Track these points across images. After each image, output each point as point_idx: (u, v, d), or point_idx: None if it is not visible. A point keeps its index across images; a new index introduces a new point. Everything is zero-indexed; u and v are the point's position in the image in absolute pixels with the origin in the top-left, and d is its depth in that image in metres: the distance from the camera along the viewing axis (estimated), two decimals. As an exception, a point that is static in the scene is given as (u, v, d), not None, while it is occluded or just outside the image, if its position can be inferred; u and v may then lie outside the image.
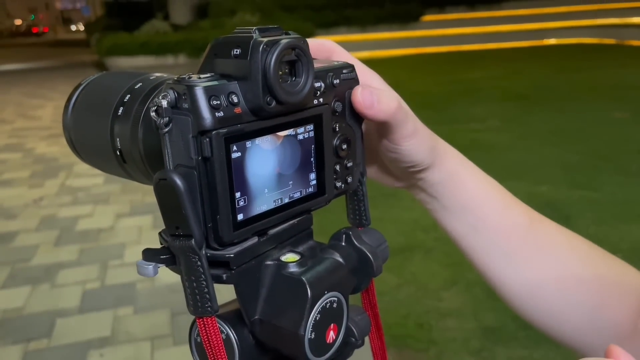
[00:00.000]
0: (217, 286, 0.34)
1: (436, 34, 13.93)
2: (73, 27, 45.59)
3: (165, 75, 0.40)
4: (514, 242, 0.46)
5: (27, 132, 6.35)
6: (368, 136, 0.45)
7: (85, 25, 29.07)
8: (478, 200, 0.46)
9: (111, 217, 3.64)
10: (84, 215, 3.71)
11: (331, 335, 0.36)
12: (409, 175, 0.45)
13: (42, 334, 2.34)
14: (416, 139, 0.42)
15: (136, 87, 0.39)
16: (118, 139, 0.38)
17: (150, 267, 0.33)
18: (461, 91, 7.39)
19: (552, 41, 13.23)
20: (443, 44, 13.03)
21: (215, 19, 13.65)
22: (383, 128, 0.41)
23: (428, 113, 6.11)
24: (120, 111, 0.38)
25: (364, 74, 0.43)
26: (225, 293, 0.36)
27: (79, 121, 0.43)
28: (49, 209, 3.89)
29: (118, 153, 0.39)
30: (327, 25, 13.81)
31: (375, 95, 0.39)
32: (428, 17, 14.88)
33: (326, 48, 0.42)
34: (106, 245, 3.23)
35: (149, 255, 0.33)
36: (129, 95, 0.38)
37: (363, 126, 0.41)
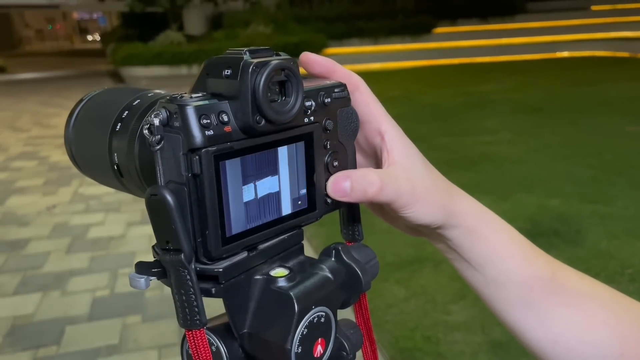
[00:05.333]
0: (209, 299, 0.35)
1: (448, 46, 13.94)
2: (89, 37, 46.26)
3: (163, 92, 0.41)
4: (536, 294, 0.46)
5: (43, 141, 6.44)
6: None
7: (101, 35, 29.48)
8: (499, 255, 0.46)
9: (122, 225, 3.68)
10: (96, 223, 3.75)
11: (319, 349, 0.36)
12: (422, 231, 0.46)
13: (51, 341, 2.36)
14: (417, 206, 0.41)
15: (134, 103, 0.40)
16: (115, 154, 0.39)
17: (142, 280, 0.34)
18: (473, 103, 7.37)
19: (565, 54, 13.17)
20: (455, 56, 13.02)
21: (229, 29, 13.78)
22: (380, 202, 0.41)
23: (439, 125, 6.11)
24: (118, 127, 0.39)
25: (382, 122, 0.43)
26: (217, 306, 0.37)
27: (79, 135, 0.44)
28: (62, 216, 3.93)
29: (116, 167, 0.40)
30: (339, 37, 13.88)
31: (347, 183, 0.39)
32: (440, 29, 14.90)
33: (352, 81, 0.42)
34: (117, 253, 3.26)
35: (141, 268, 0.34)
36: (127, 112, 0.40)
37: (356, 143, 0.42)
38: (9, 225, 3.80)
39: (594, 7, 16.08)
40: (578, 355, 0.46)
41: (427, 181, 0.42)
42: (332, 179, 0.39)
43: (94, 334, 2.42)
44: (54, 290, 2.81)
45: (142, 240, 3.42)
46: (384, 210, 0.46)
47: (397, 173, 0.41)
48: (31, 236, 3.56)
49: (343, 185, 0.39)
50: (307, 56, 0.41)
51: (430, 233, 0.46)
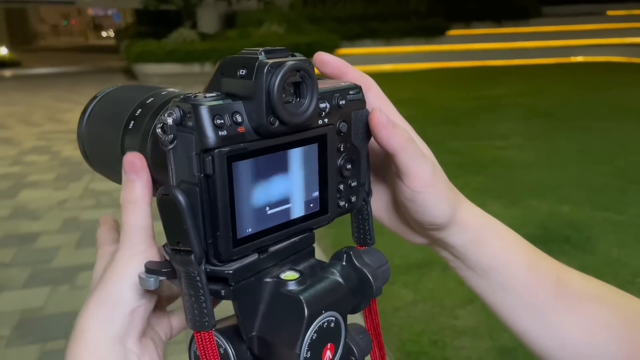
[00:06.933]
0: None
1: (461, 49, 13.87)
2: (104, 34, 46.64)
3: (176, 91, 0.41)
4: (542, 298, 0.46)
5: (55, 135, 6.49)
6: (389, 186, 0.46)
7: (115, 32, 29.69)
8: (503, 261, 0.46)
9: (132, 221, 3.69)
10: (106, 219, 3.76)
11: (328, 354, 0.36)
12: (428, 233, 0.45)
13: (59, 335, 2.37)
14: (434, 190, 0.41)
15: (148, 101, 0.40)
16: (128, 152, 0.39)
17: (151, 279, 0.34)
18: (485, 107, 7.33)
19: (580, 59, 13.06)
20: (468, 59, 12.96)
21: (242, 28, 13.81)
22: (399, 166, 0.41)
23: (450, 128, 6.08)
24: (131, 125, 0.39)
25: (396, 120, 0.43)
26: (228, 307, 0.37)
27: (92, 132, 0.44)
28: (72, 211, 3.95)
29: None
30: (352, 38, 13.85)
31: (391, 120, 0.39)
32: (454, 32, 14.83)
33: (365, 82, 0.42)
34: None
35: (151, 268, 0.34)
36: (140, 110, 0.39)
37: (371, 157, 0.42)
38: (20, 219, 3.83)
39: (610, 12, 15.92)
40: (585, 357, 0.46)
41: (442, 174, 0.43)
42: (376, 110, 0.39)
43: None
44: (63, 285, 2.83)
45: (151, 237, 3.43)
46: (392, 205, 0.46)
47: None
48: (42, 230, 3.59)
49: (388, 118, 0.39)
50: (320, 56, 0.42)
51: (434, 237, 0.45)
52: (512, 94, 8.25)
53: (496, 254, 0.46)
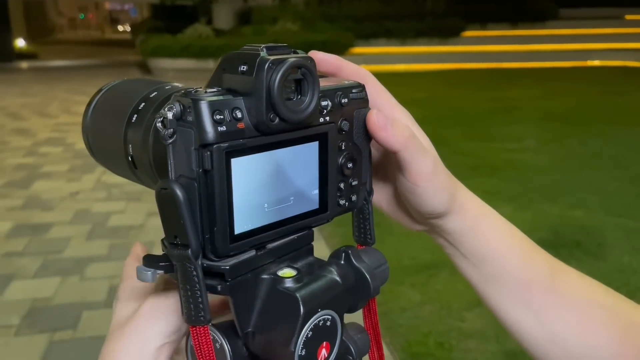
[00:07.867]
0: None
1: (477, 50, 13.77)
2: (120, 28, 47.03)
3: (180, 86, 0.41)
4: (535, 292, 0.46)
5: (70, 127, 6.55)
6: (390, 176, 0.46)
7: (131, 26, 29.89)
8: (498, 251, 0.46)
9: (142, 214, 3.72)
10: (117, 212, 3.80)
11: (323, 353, 0.36)
12: (426, 221, 0.45)
13: (68, 325, 2.40)
14: (434, 182, 0.41)
15: (151, 95, 0.40)
16: (130, 145, 0.39)
17: (149, 272, 0.34)
18: (499, 109, 7.28)
19: (596, 63, 12.92)
20: (483, 61, 12.86)
21: (257, 25, 13.85)
22: (400, 162, 0.40)
23: (464, 130, 6.05)
24: (134, 118, 0.39)
25: (395, 110, 0.43)
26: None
27: (96, 125, 0.44)
28: (84, 203, 3.99)
29: (130, 159, 0.40)
30: (366, 37, 13.82)
31: (389, 120, 0.39)
32: (469, 33, 14.73)
33: (360, 75, 0.42)
34: (135, 242, 3.29)
35: (149, 261, 0.34)
36: (143, 104, 0.40)
37: (371, 146, 0.41)
38: (33, 209, 3.87)
39: (628, 17, 15.73)
40: (575, 355, 0.46)
41: (441, 164, 0.43)
42: (373, 112, 0.39)
43: (110, 320, 2.44)
44: (73, 275, 2.86)
45: (161, 231, 3.43)
46: (392, 195, 0.46)
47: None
48: (54, 221, 3.62)
49: (385, 119, 0.39)
50: (314, 55, 0.41)
51: (431, 224, 0.45)
52: (527, 97, 8.18)
53: (491, 244, 0.46)
